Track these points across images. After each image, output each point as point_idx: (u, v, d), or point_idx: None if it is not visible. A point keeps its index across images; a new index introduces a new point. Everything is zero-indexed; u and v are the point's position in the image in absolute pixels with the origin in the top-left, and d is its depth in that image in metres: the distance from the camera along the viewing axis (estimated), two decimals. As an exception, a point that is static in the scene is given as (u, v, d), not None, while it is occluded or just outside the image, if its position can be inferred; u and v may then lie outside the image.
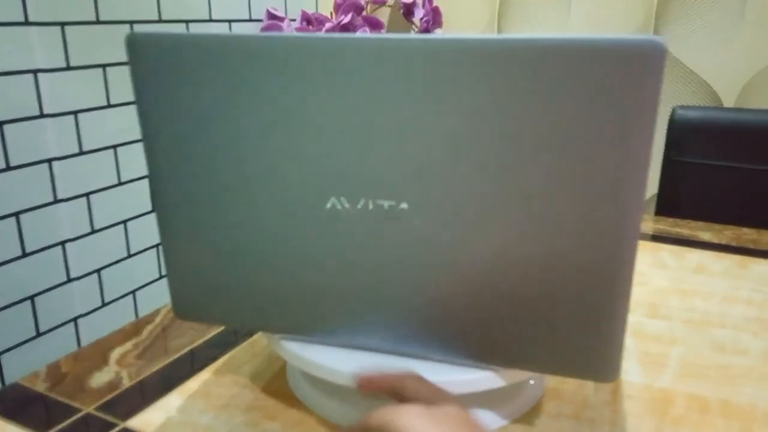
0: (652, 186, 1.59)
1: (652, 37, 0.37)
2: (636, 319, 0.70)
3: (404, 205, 0.44)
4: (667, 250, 0.91)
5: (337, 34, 0.42)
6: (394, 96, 0.42)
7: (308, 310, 0.50)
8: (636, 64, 0.37)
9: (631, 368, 0.61)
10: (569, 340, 0.45)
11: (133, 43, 0.45)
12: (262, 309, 0.51)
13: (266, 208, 0.47)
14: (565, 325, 0.45)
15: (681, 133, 1.24)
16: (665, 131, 1.27)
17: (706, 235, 0.98)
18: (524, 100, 0.40)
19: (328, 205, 0.46)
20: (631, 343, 0.65)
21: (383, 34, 0.42)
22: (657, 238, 0.97)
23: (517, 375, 0.49)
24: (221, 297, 0.52)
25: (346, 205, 0.46)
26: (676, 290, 0.78)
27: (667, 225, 1.03)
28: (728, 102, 1.46)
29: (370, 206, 0.45)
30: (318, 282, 0.49)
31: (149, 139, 0.48)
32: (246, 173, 0.47)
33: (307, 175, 0.46)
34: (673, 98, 1.51)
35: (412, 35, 0.40)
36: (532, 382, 0.56)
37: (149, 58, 0.45)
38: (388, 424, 0.39)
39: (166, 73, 0.46)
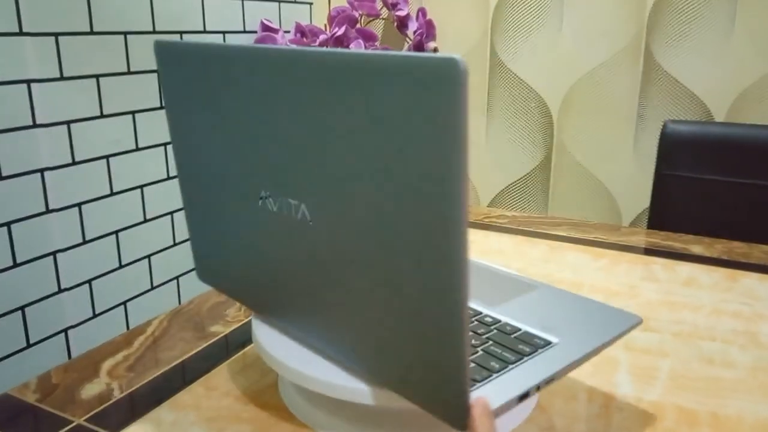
0: (645, 200, 1.60)
1: (451, 55, 0.34)
2: (627, 332, 0.71)
3: (303, 206, 0.47)
4: (658, 264, 0.91)
5: (260, 46, 0.46)
6: (285, 102, 0.45)
7: (266, 294, 0.56)
8: (434, 84, 0.35)
9: (622, 381, 0.61)
10: (419, 373, 0.42)
11: (159, 49, 0.56)
12: (242, 286, 0.59)
13: (226, 198, 0.55)
14: (414, 358, 0.43)
15: (673, 147, 1.26)
16: (657, 145, 1.28)
17: (697, 249, 0.98)
18: (342, 116, 0.40)
19: (260, 199, 0.51)
20: (622, 356, 0.66)
21: (273, 46, 0.45)
22: (649, 251, 0.97)
23: (390, 397, 0.48)
24: (224, 271, 0.60)
25: (271, 201, 0.50)
26: (666, 303, 0.78)
27: (659, 238, 1.04)
28: (719, 116, 1.47)
29: (286, 204, 0.48)
30: (263, 268, 0.54)
31: (172, 129, 0.59)
32: (214, 167, 0.55)
33: (246, 171, 0.52)
34: (664, 112, 1.52)
35: (290, 47, 0.43)
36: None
37: (173, 64, 0.55)
38: None
39: (178, 77, 0.55)
